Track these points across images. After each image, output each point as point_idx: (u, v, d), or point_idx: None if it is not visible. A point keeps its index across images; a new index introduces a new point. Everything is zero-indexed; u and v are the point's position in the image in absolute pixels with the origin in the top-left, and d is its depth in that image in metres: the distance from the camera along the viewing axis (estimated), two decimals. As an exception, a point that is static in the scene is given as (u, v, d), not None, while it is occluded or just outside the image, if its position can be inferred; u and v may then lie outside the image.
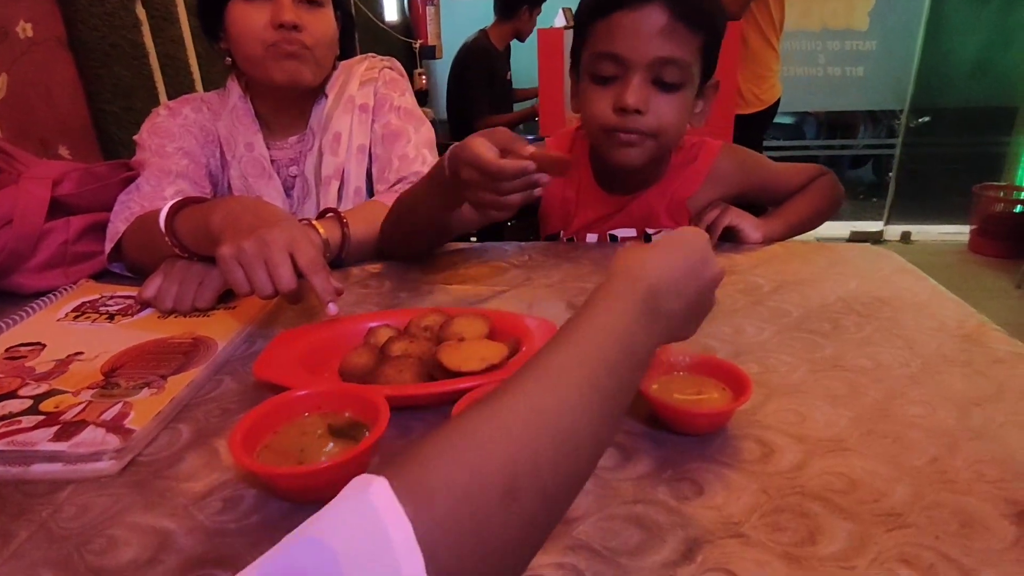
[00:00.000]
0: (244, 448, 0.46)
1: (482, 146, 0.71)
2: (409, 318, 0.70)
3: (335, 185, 1.09)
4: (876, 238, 4.00)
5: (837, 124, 4.99)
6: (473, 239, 1.17)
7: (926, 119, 4.01)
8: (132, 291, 0.84)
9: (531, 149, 0.72)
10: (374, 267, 0.97)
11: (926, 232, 4.03)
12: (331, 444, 0.49)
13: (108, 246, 0.92)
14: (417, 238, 0.96)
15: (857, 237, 4.00)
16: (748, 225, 1.00)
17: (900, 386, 0.59)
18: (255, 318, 0.79)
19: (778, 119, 3.25)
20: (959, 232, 3.87)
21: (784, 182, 1.09)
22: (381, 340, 0.66)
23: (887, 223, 4.13)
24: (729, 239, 1.01)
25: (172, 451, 0.54)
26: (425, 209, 0.88)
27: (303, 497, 0.47)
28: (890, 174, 4.16)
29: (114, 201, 0.97)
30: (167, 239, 0.79)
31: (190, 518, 0.46)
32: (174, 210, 0.80)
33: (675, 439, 0.53)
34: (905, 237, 4.00)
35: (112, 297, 0.86)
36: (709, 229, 0.99)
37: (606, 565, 0.40)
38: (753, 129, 2.95)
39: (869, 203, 4.50)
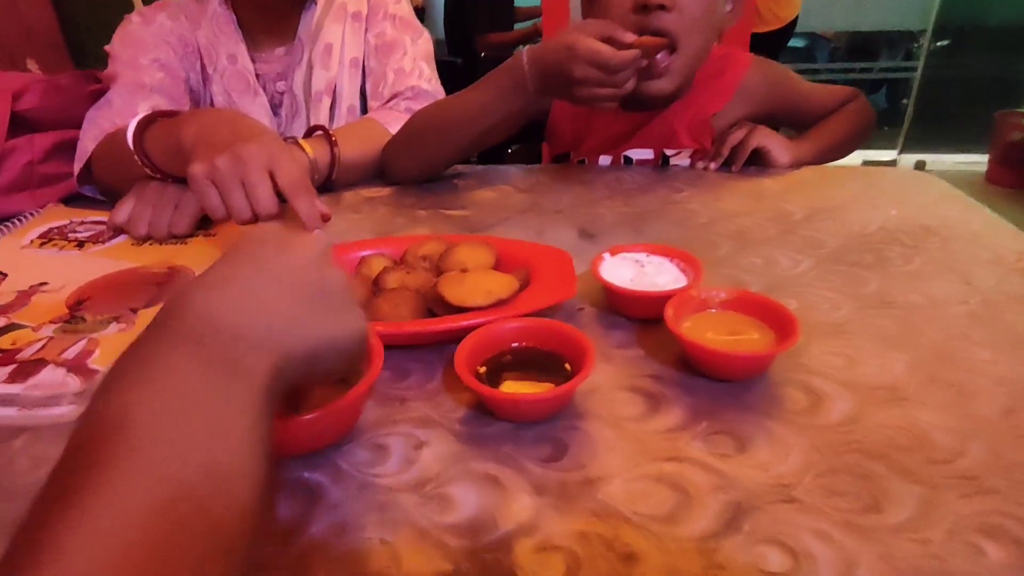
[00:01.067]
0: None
1: (593, 42, 0.70)
2: (405, 246, 0.63)
3: (326, 102, 0.99)
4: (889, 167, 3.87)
5: (852, 47, 4.74)
6: (473, 161, 1.08)
7: (946, 42, 3.79)
8: (104, 216, 0.77)
9: (631, 36, 0.73)
10: (367, 191, 0.88)
11: (941, 161, 3.89)
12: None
13: (77, 167, 0.83)
14: (444, 155, 0.89)
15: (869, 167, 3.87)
16: (777, 147, 0.91)
17: (960, 326, 0.52)
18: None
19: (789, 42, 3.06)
20: (977, 162, 3.73)
21: (816, 103, 0.99)
22: (374, 271, 0.59)
23: (901, 152, 3.98)
24: (755, 162, 0.92)
25: (141, 395, 0.48)
26: (476, 120, 0.82)
27: (290, 449, 0.41)
28: (905, 100, 3.98)
29: (83, 117, 0.87)
30: (137, 158, 0.71)
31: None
32: (143, 125, 0.71)
33: (708, 385, 0.47)
34: (919, 167, 3.87)
35: (82, 223, 0.78)
36: (735, 150, 0.90)
37: (639, 534, 0.35)
38: (769, 49, 2.78)
39: (881, 131, 4.33)
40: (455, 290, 0.52)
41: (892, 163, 3.90)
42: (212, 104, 0.98)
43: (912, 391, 0.45)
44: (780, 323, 0.48)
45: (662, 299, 0.50)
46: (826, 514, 0.36)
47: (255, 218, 0.60)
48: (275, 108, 1.00)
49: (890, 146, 4.03)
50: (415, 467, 0.40)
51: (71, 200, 0.85)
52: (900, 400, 0.44)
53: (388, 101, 0.96)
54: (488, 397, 0.43)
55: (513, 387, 0.44)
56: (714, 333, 0.49)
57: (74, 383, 0.47)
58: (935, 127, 3.87)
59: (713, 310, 0.51)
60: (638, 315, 0.55)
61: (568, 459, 0.40)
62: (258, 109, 0.98)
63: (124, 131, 0.73)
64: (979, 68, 3.87)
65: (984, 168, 3.62)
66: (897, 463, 0.39)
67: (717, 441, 0.41)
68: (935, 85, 3.86)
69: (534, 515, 0.36)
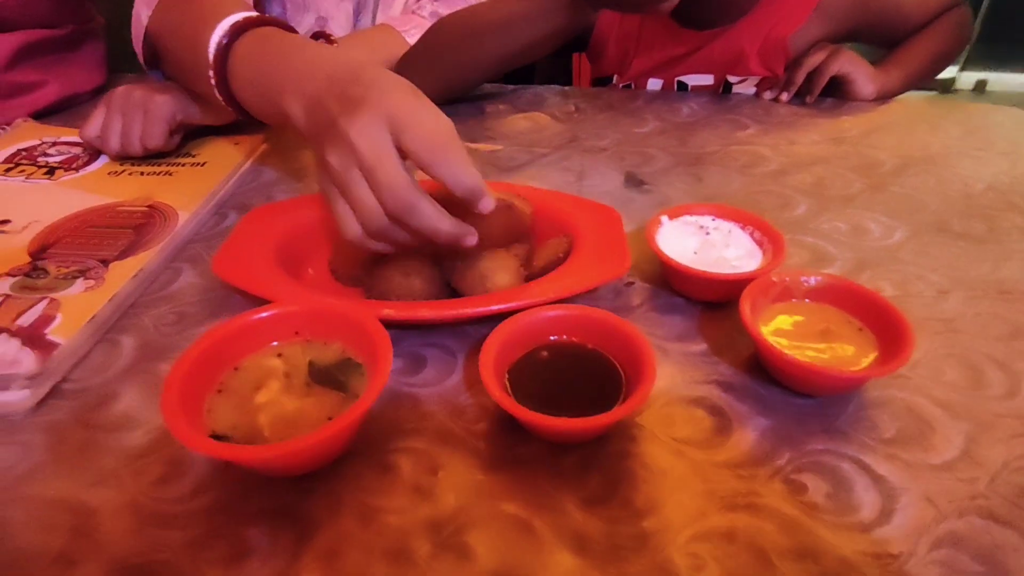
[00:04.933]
0: (184, 404, 0.32)
1: None
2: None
3: (399, 5, 0.84)
4: (946, 86, 3.57)
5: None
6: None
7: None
8: (78, 136, 0.67)
9: None
10: (381, 114, 0.77)
11: (1005, 82, 3.58)
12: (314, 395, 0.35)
13: (136, 46, 0.68)
14: (468, 76, 0.76)
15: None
16: (861, 76, 0.77)
17: (1102, 331, 0.43)
18: (229, 176, 0.62)
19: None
20: (1045, 83, 3.42)
21: (908, 15, 0.83)
22: (386, 226, 0.50)
23: (962, 69, 3.65)
24: (832, 93, 0.79)
25: (106, 378, 0.40)
26: (511, 36, 0.69)
27: (274, 473, 0.34)
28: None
29: (56, 12, 0.75)
30: (210, 72, 0.51)
31: (121, 490, 0.33)
32: (239, 29, 0.50)
33: (789, 400, 0.38)
34: (980, 87, 3.57)
35: (55, 144, 0.68)
36: (811, 77, 0.77)
37: (710, 627, 0.27)
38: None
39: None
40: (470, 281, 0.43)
41: (950, 82, 3.59)
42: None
43: (1048, 422, 0.36)
44: (885, 326, 0.38)
45: (735, 284, 0.41)
46: (951, 606, 0.28)
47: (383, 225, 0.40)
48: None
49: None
50: (429, 501, 0.32)
51: (43, 115, 0.75)
52: (1033, 435, 0.36)
53: (418, 2, 0.82)
54: (522, 420, 0.34)
55: (550, 396, 0.36)
56: (800, 330, 0.40)
57: (28, 361, 0.40)
58: (1005, 42, 3.52)
59: (795, 300, 0.42)
60: (702, 298, 0.45)
61: (618, 501, 0.32)
62: (340, 16, 0.83)
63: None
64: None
65: (1053, 91, 3.33)
66: (1040, 534, 0.30)
67: (803, 483, 0.33)
68: (1010, -7, 3.48)
69: (576, 582, 0.29)
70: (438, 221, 0.39)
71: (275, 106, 0.46)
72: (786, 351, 0.37)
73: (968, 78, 3.62)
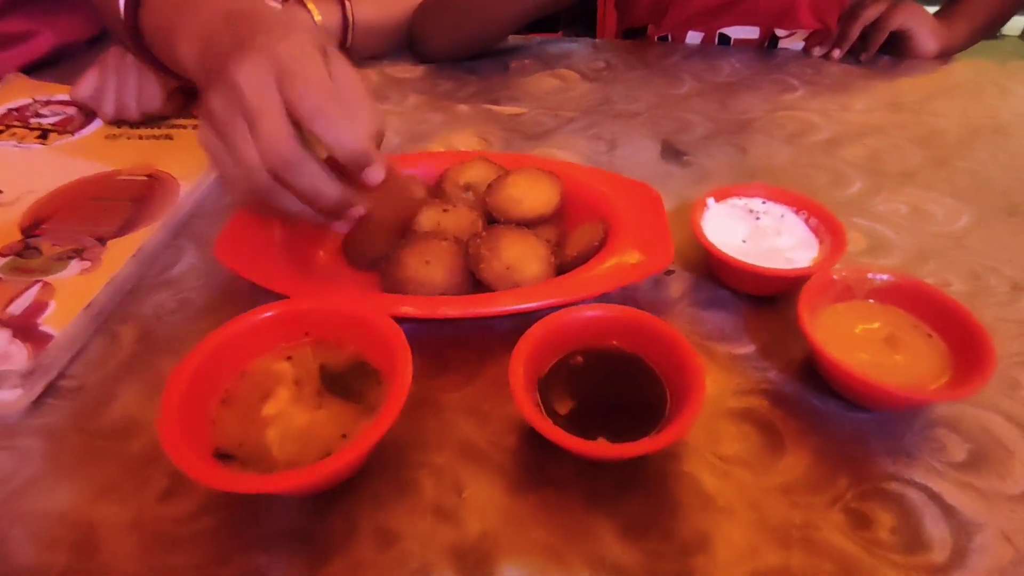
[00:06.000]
0: (185, 420, 0.29)
1: None
2: (443, 167, 0.49)
3: None
4: (991, 30, 3.36)
5: None
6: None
7: None
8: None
9: None
10: (394, 68, 0.71)
11: (1055, 24, 3.37)
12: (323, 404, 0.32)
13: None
14: (491, 29, 0.70)
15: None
16: (923, 31, 0.70)
17: None
18: (234, 145, 0.58)
19: None
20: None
21: None
22: (403, 204, 0.46)
23: (1009, 10, 3.44)
24: (889, 49, 0.72)
25: (105, 374, 0.38)
26: None
27: (288, 495, 0.31)
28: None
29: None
30: (127, 41, 0.51)
31: (124, 504, 0.31)
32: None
33: (847, 413, 0.35)
34: (1027, 31, 3.36)
35: (48, 103, 0.64)
36: (866, 32, 0.70)
37: None
38: None
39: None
40: (496, 272, 0.39)
41: (995, 24, 3.38)
42: None
43: None
44: (959, 335, 0.34)
45: (790, 281, 0.37)
46: (1036, 669, 0.25)
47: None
48: None
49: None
50: (452, 525, 0.30)
51: (36, 68, 0.70)
52: (1123, 462, 0.32)
53: None
54: (557, 442, 0.31)
55: (586, 407, 0.32)
56: (863, 335, 0.36)
57: (20, 356, 0.37)
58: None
59: (858, 300, 0.38)
60: (752, 292, 0.41)
61: (659, 531, 0.29)
62: None
63: None
64: None
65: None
66: None
67: (865, 514, 0.30)
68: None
69: (615, 629, 0.26)
70: (322, 183, 0.35)
71: (173, 51, 0.43)
72: (849, 364, 0.33)
73: (1016, 22, 3.41)
